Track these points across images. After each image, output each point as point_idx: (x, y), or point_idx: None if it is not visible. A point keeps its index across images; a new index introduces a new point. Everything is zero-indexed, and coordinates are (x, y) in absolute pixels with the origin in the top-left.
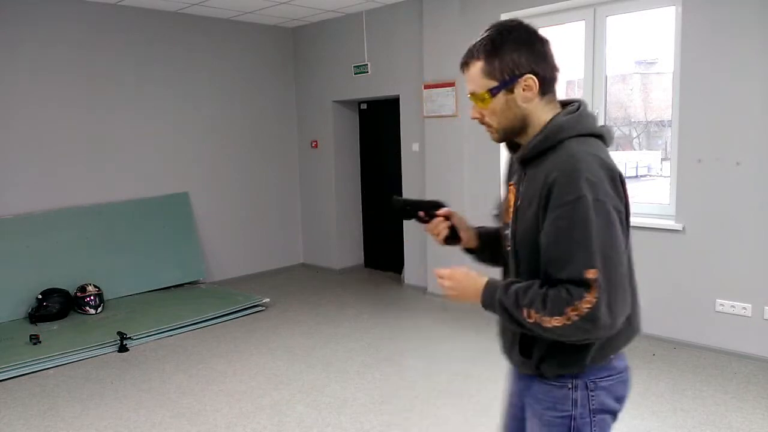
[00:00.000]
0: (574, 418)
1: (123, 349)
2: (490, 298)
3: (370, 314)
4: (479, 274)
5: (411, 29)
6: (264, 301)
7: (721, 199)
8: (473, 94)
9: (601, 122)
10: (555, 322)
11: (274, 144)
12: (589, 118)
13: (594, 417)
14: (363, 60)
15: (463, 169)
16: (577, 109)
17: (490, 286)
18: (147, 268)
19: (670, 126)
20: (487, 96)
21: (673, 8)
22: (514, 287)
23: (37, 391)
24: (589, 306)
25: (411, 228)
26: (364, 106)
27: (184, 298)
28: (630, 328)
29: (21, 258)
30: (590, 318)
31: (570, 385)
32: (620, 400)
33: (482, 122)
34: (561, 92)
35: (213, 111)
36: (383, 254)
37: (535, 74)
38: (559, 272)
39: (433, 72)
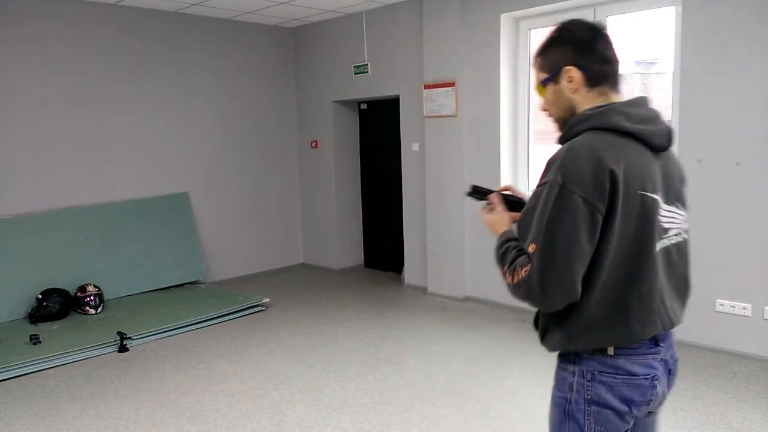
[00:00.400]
0: (569, 402)
1: (123, 349)
2: (497, 242)
3: (370, 314)
4: (506, 222)
5: (411, 29)
6: (264, 301)
7: (721, 199)
8: (536, 87)
9: (654, 122)
10: (508, 279)
11: (274, 144)
12: (614, 114)
13: (588, 407)
14: (363, 60)
15: (463, 169)
16: (603, 106)
17: (503, 234)
18: (147, 268)
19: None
20: (540, 88)
21: (673, 8)
22: (508, 243)
23: (37, 391)
24: (524, 275)
25: (411, 228)
26: (364, 106)
27: (184, 298)
28: (625, 329)
29: (21, 258)
30: (523, 284)
31: (569, 369)
32: (628, 402)
33: (548, 115)
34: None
35: (213, 111)
36: (383, 254)
37: (579, 67)
38: (521, 241)
39: (433, 72)
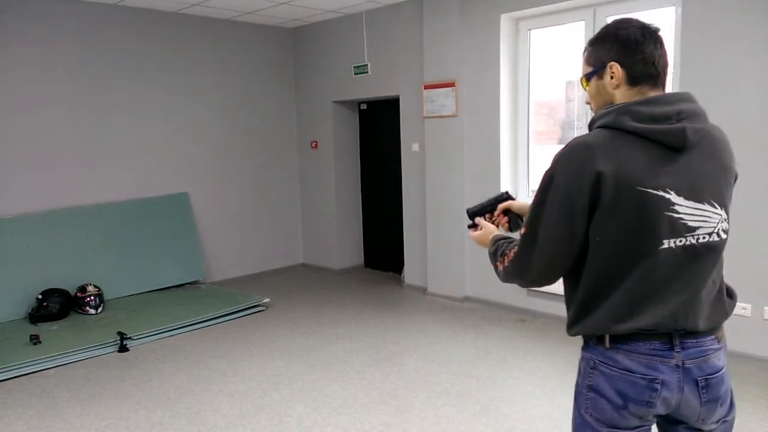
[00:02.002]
0: (577, 384)
1: (123, 349)
2: (489, 248)
3: (370, 314)
4: (494, 230)
5: (411, 29)
6: (264, 301)
7: None
8: (581, 79)
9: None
10: (499, 266)
11: (274, 144)
12: (620, 114)
13: (588, 393)
14: (363, 60)
15: (463, 169)
16: (617, 105)
17: (492, 238)
18: (147, 268)
19: None
20: (585, 80)
21: (673, 8)
22: (498, 242)
23: (37, 391)
24: (512, 255)
25: (411, 228)
26: (364, 107)
27: (184, 298)
28: (603, 316)
29: (21, 258)
30: (509, 264)
31: (582, 356)
32: (624, 397)
33: (591, 108)
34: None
35: (213, 111)
36: (383, 254)
37: (622, 64)
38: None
39: (433, 72)
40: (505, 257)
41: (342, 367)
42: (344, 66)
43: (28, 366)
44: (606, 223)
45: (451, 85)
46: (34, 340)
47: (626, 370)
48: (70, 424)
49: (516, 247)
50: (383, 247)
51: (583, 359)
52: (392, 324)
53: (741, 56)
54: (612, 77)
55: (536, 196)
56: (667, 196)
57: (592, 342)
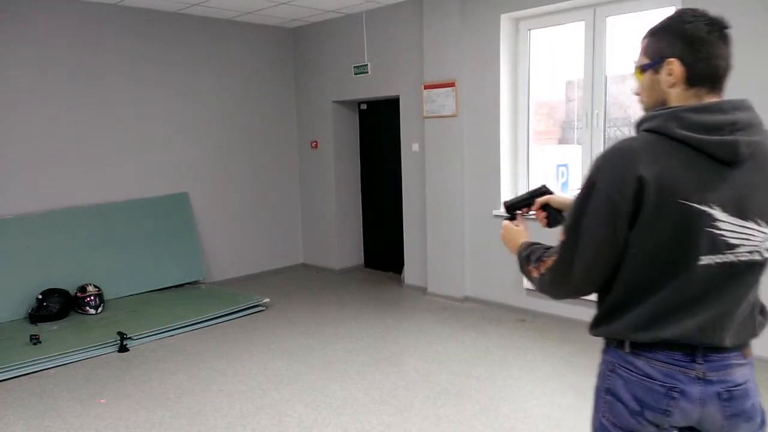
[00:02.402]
0: (596, 387)
1: (123, 349)
2: (519, 253)
3: (370, 314)
4: (525, 235)
5: (411, 29)
6: (264, 301)
7: None
8: (635, 68)
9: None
10: (534, 273)
11: (274, 144)
12: (668, 120)
13: (605, 396)
14: (363, 60)
15: (463, 169)
16: (666, 108)
17: (522, 243)
18: (147, 268)
19: None
20: (639, 71)
21: (673, 8)
22: (532, 247)
23: (37, 391)
24: (551, 263)
25: (411, 228)
26: (364, 107)
27: (184, 298)
28: (628, 323)
29: (21, 258)
30: (547, 273)
31: (602, 358)
32: (640, 402)
33: (639, 100)
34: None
35: (213, 111)
36: (383, 254)
37: (683, 62)
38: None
39: (433, 72)
40: (542, 264)
41: (342, 367)
42: (344, 66)
43: (28, 366)
44: (644, 232)
45: (451, 85)
46: (34, 340)
47: (645, 376)
48: (70, 424)
49: (555, 255)
50: (383, 247)
51: (603, 362)
52: (392, 324)
53: (740, 57)
54: (669, 74)
55: (577, 202)
56: (711, 211)
57: (612, 345)
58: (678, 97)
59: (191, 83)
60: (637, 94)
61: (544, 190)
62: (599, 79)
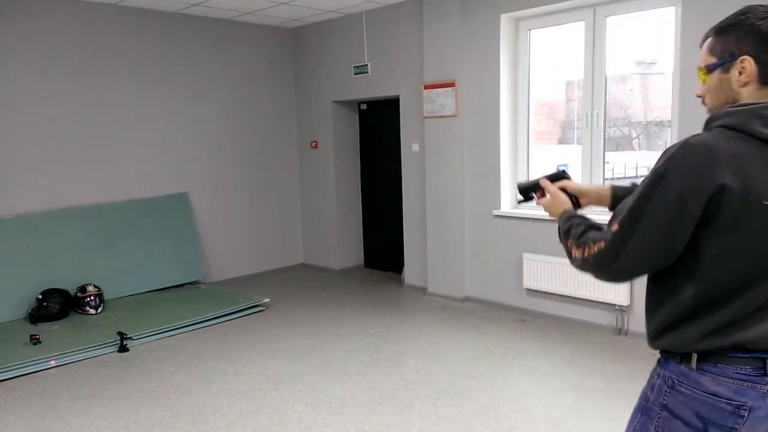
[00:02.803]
0: (648, 400)
1: (123, 349)
2: (559, 221)
3: (370, 314)
4: (566, 200)
5: (411, 29)
6: (264, 301)
7: None
8: (698, 69)
9: None
10: (575, 252)
11: (274, 144)
12: (751, 116)
13: (661, 412)
14: (363, 60)
15: (463, 169)
16: (748, 104)
17: (564, 213)
18: (147, 268)
19: (670, 126)
20: (703, 71)
21: (673, 8)
22: (572, 219)
23: (37, 391)
24: (596, 250)
25: (411, 228)
26: (364, 107)
27: (184, 298)
28: (701, 335)
29: (21, 258)
30: (591, 259)
31: (657, 371)
32: (705, 421)
33: (703, 102)
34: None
35: (213, 111)
36: (383, 254)
37: (757, 60)
38: (613, 220)
39: (433, 72)
40: (586, 247)
41: (342, 367)
42: (344, 66)
43: (28, 366)
44: (724, 237)
45: (451, 85)
46: (34, 340)
47: (710, 394)
48: (70, 424)
49: (604, 242)
50: (383, 247)
51: (659, 375)
52: (392, 324)
53: None
54: (741, 73)
55: (641, 192)
56: None
57: (674, 360)
58: (750, 96)
59: (191, 83)
60: (700, 95)
61: (561, 175)
62: (599, 79)
